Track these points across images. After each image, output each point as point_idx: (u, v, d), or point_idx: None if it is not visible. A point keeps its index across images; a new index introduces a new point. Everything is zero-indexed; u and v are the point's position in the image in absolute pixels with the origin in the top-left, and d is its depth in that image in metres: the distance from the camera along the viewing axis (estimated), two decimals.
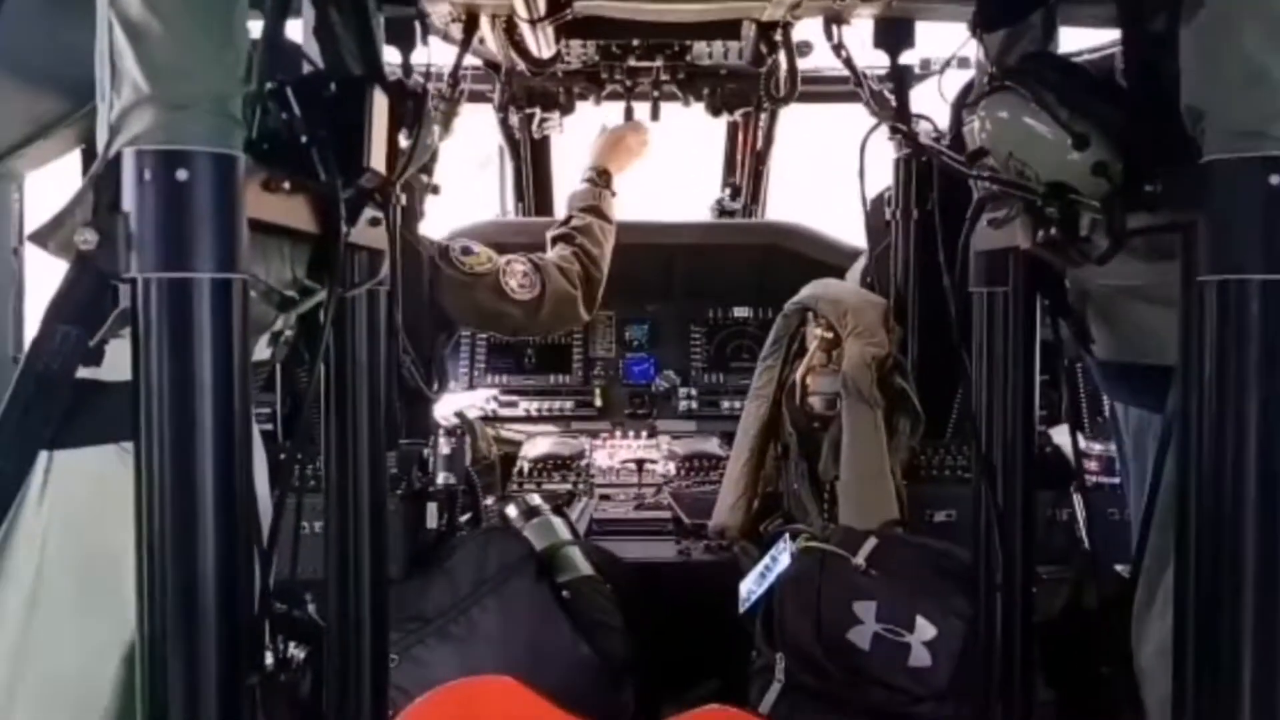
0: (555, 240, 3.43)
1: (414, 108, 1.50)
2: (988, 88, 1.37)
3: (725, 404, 4.11)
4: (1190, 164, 1.15)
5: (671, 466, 3.72)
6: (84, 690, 1.21)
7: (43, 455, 1.14)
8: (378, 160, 1.38)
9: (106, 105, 1.03)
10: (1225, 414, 1.12)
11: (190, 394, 1.08)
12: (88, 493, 1.20)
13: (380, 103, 1.39)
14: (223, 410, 1.10)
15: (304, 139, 1.25)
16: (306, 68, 1.50)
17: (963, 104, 2.76)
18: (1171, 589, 1.26)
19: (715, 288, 4.23)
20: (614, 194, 3.59)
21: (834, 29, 2.63)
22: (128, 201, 1.03)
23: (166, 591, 1.09)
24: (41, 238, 1.07)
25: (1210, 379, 1.14)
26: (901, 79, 1.99)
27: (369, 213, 1.56)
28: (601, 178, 3.56)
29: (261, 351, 1.59)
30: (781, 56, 3.01)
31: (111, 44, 1.02)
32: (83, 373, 1.11)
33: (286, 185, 1.23)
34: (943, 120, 2.66)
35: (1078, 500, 2.62)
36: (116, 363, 1.12)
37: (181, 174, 1.02)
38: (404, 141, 1.50)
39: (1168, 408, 1.33)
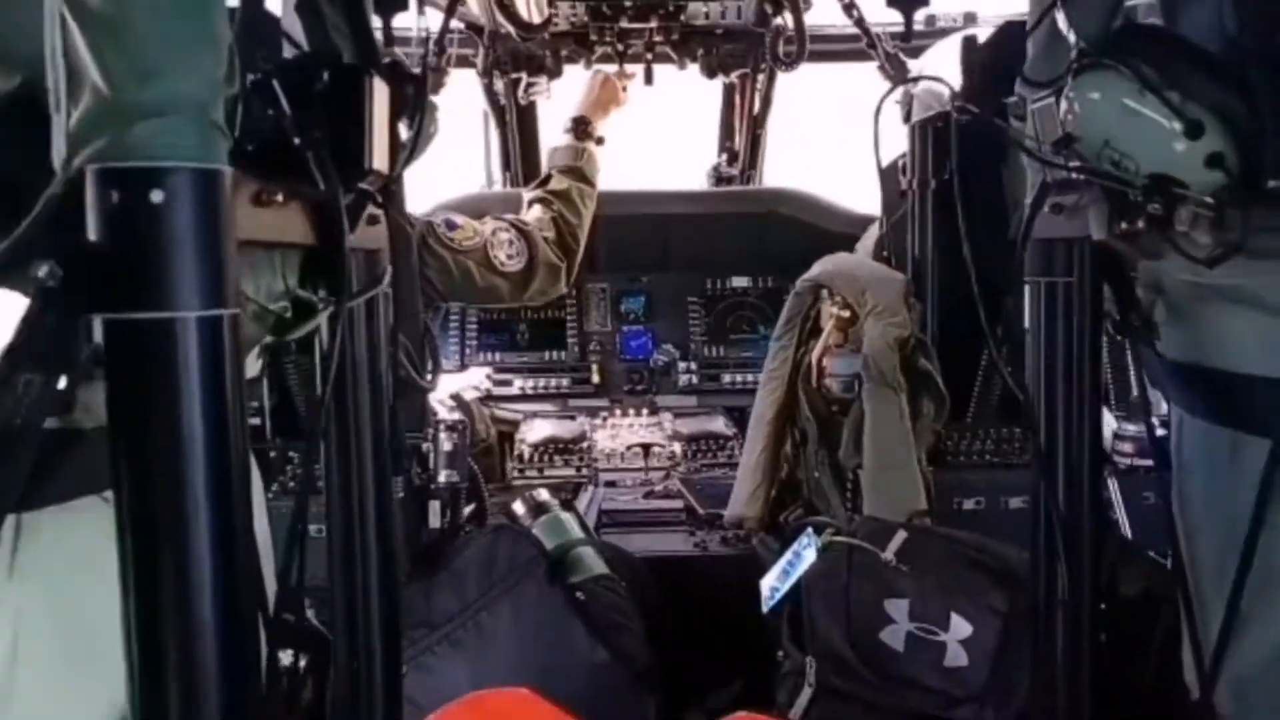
0: (533, 203, 3.27)
1: (414, 94, 1.32)
2: (1075, 65, 1.21)
3: (726, 378, 4.00)
4: None
5: (677, 448, 3.59)
6: None
7: (10, 519, 0.98)
8: (380, 160, 1.21)
9: (62, 115, 0.85)
10: None
11: (179, 440, 0.92)
12: (65, 555, 1.05)
13: (380, 94, 1.21)
14: (216, 457, 0.94)
15: (296, 141, 1.07)
16: (287, 49, 1.31)
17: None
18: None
19: (712, 257, 4.09)
20: (599, 141, 3.42)
21: None
22: (94, 229, 0.86)
23: (161, 654, 0.95)
24: None
25: None
26: (972, 48, 1.81)
27: (368, 211, 1.39)
28: (581, 127, 3.39)
29: (252, 367, 1.43)
30: (787, 16, 2.84)
31: (65, 40, 0.84)
32: (51, 423, 0.95)
33: (280, 197, 1.06)
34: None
35: (1113, 484, 2.51)
36: (91, 406, 0.97)
37: (156, 195, 0.85)
38: (404, 132, 1.33)
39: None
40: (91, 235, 0.86)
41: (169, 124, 0.84)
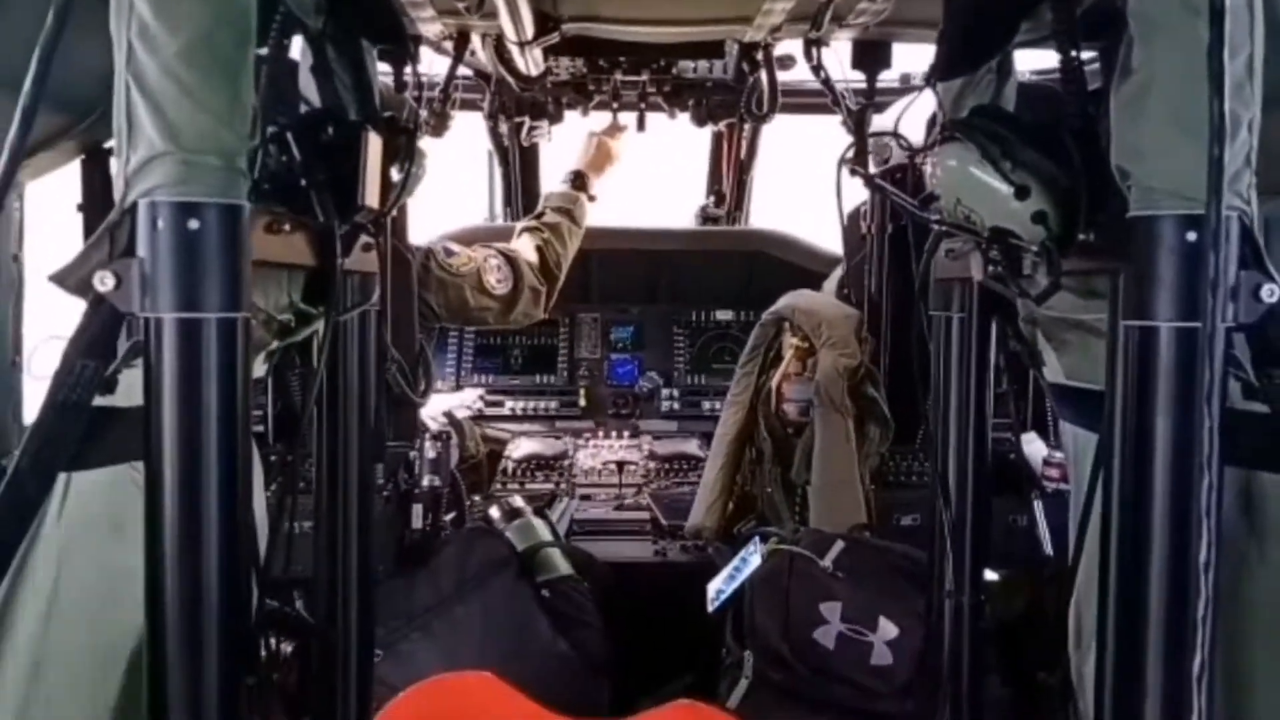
0: (524, 232, 3.55)
1: (405, 143, 1.59)
2: (939, 137, 1.48)
3: (706, 405, 4.22)
4: (1119, 217, 1.25)
5: (652, 466, 3.83)
6: (95, 692, 1.31)
7: (61, 476, 1.23)
8: (371, 197, 1.48)
9: (123, 159, 1.12)
10: (1141, 443, 1.23)
11: (197, 420, 1.17)
12: (102, 509, 1.29)
13: (374, 144, 1.48)
14: (226, 434, 1.19)
15: (303, 182, 1.34)
16: (305, 105, 1.59)
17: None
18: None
19: (699, 292, 4.35)
20: (592, 198, 3.71)
21: (813, 51, 2.74)
22: (142, 248, 1.12)
23: (172, 600, 1.19)
24: (61, 279, 1.16)
25: (1131, 412, 1.25)
26: (861, 121, 2.09)
27: (362, 239, 1.66)
28: (579, 180, 3.69)
29: (258, 369, 1.69)
30: (763, 75, 3.11)
31: (128, 103, 1.11)
32: (98, 401, 1.20)
33: (287, 226, 1.33)
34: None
35: (1037, 506, 2.74)
36: (129, 390, 1.22)
37: (193, 224, 1.11)
38: (395, 175, 1.60)
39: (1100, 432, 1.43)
40: (140, 253, 1.13)
41: (203, 170, 1.11)
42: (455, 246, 3.34)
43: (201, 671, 1.20)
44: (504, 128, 4.25)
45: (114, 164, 1.15)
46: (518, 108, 3.93)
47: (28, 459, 1.17)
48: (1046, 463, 2.85)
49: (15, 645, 1.21)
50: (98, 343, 1.16)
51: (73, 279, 1.15)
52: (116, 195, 1.13)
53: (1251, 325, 1.20)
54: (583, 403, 4.24)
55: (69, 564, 1.25)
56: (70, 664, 1.27)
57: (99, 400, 1.21)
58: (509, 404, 4.21)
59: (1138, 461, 1.24)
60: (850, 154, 2.91)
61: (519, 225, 3.67)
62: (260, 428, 2.77)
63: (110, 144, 1.83)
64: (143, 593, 1.19)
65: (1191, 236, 1.17)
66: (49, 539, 1.23)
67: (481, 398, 4.18)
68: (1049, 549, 2.68)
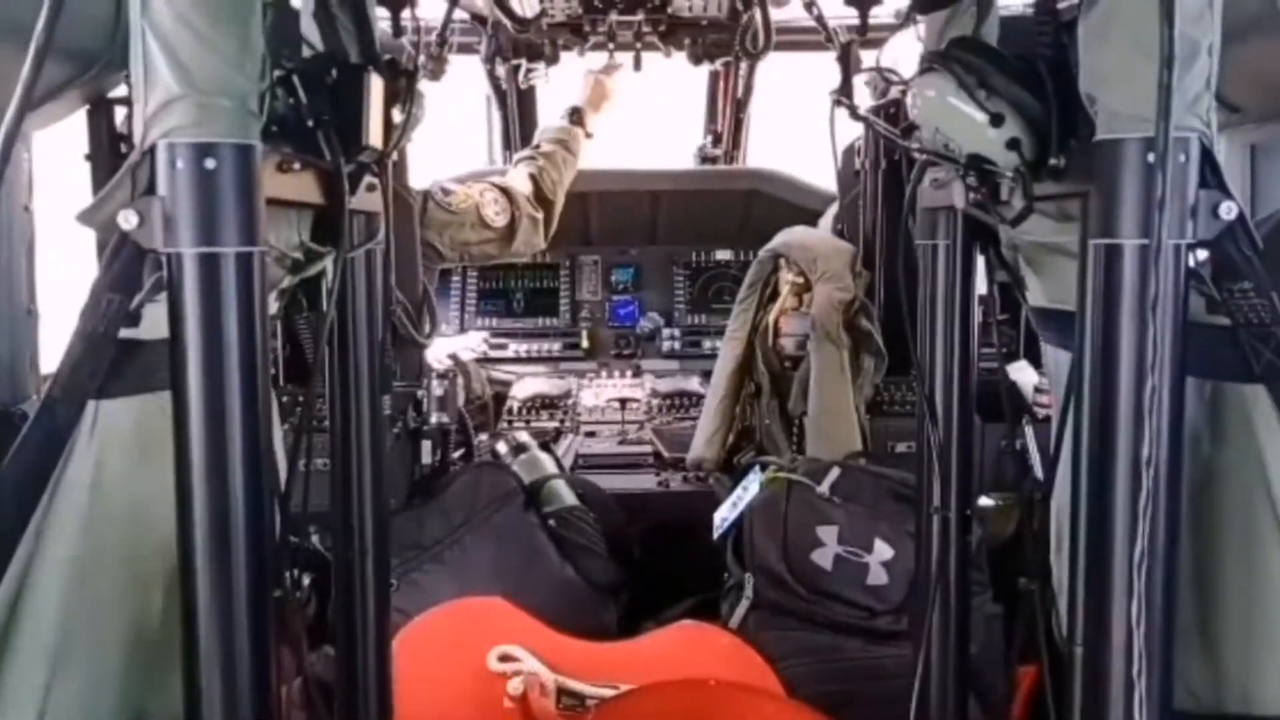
0: (519, 162, 3.60)
1: (406, 85, 1.65)
2: (920, 68, 1.53)
3: (707, 343, 4.30)
4: (1088, 142, 1.32)
5: (654, 403, 3.93)
6: (134, 611, 1.40)
7: (91, 405, 1.31)
8: (375, 137, 1.54)
9: (142, 103, 1.18)
10: (1107, 356, 1.30)
11: (219, 349, 1.25)
12: (130, 435, 1.37)
13: (376, 85, 1.54)
14: (247, 363, 1.27)
15: (310, 123, 1.40)
16: (306, 49, 1.64)
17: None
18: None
19: (698, 232, 4.40)
20: (589, 135, 3.75)
21: None
22: (162, 187, 1.19)
23: (200, 517, 1.27)
24: (87, 217, 1.23)
25: (1098, 327, 1.32)
26: (848, 56, 2.14)
27: (367, 179, 1.72)
28: (576, 115, 3.73)
29: (270, 307, 1.76)
30: (757, 12, 3.14)
31: (144, 49, 1.17)
32: (123, 333, 1.28)
33: (296, 165, 1.40)
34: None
35: (1028, 432, 2.82)
36: (152, 324, 1.29)
37: (209, 163, 1.18)
38: (396, 116, 1.66)
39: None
40: (161, 192, 1.19)
41: (217, 112, 1.18)
42: (451, 185, 3.39)
43: (233, 584, 1.28)
44: (501, 71, 4.26)
45: (135, 109, 1.21)
46: (514, 50, 3.96)
47: (59, 388, 1.25)
48: (1038, 390, 2.93)
49: (56, 560, 1.29)
50: (122, 278, 1.23)
51: (97, 218, 1.22)
52: (136, 138, 1.20)
53: (1211, 242, 1.26)
54: (585, 344, 4.32)
55: (103, 484, 1.33)
56: (110, 576, 1.35)
57: (124, 333, 1.28)
58: (513, 346, 4.30)
59: (1104, 373, 1.31)
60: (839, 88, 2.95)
61: (515, 157, 3.71)
62: (272, 371, 2.86)
63: (114, 94, 1.90)
64: (174, 513, 1.28)
65: (1151, 158, 1.23)
66: (82, 461, 1.30)
67: (485, 341, 4.26)
68: (1040, 474, 2.77)
